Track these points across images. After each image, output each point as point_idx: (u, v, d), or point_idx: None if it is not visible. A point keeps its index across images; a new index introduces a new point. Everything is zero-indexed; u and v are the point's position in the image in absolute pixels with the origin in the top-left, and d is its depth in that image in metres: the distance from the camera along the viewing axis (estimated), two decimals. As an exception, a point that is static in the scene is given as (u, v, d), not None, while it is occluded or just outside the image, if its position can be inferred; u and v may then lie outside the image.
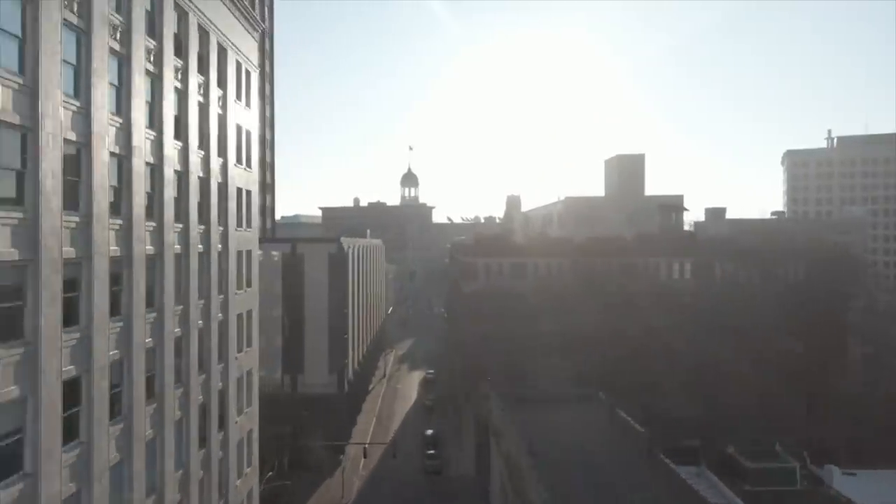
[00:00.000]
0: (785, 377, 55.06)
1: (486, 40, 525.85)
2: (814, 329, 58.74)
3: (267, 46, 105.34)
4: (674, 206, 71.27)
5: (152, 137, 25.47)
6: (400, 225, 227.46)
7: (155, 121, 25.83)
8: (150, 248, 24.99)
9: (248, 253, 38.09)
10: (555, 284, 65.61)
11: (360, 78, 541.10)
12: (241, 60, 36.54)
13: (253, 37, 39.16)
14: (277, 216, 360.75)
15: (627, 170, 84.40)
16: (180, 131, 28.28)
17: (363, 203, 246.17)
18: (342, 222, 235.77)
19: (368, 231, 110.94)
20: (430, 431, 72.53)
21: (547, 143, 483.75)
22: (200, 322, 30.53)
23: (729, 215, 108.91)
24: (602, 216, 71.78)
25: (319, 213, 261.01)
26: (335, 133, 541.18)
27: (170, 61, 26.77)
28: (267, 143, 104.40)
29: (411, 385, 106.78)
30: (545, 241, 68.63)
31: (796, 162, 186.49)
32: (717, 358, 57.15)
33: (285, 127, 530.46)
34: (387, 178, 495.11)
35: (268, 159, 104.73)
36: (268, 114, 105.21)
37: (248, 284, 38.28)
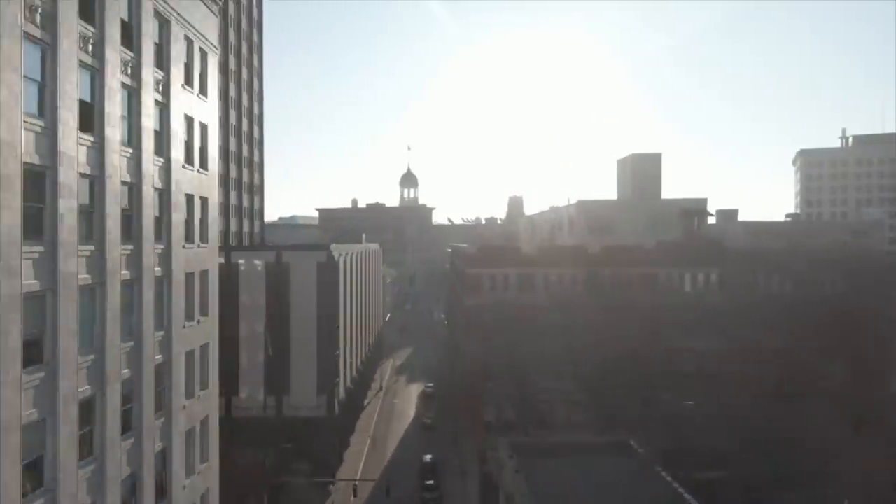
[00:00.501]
0: (833, 408, 48.15)
1: (485, 40, 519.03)
2: (862, 351, 51.91)
3: (255, 38, 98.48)
4: (697, 210, 64.48)
5: (38, 129, 18.46)
6: (399, 227, 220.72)
7: (47, 106, 18.83)
8: (33, 284, 17.99)
9: (204, 274, 31.18)
10: (567, 298, 58.75)
11: (358, 77, 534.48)
12: (191, 37, 29.61)
13: (210, 10, 32.20)
14: (274, 217, 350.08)
15: (643, 171, 77.56)
16: (91, 121, 21.31)
17: (361, 204, 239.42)
18: (339, 224, 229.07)
19: (364, 235, 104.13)
20: (428, 457, 65.67)
21: (547, 143, 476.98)
22: (127, 371, 23.56)
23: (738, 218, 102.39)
24: (617, 222, 65.00)
25: (317, 214, 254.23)
26: (334, 133, 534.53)
27: (72, 27, 19.79)
28: (255, 142, 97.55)
29: (409, 399, 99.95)
30: (556, 249, 61.72)
31: (810, 162, 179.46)
32: (757, 385, 50.28)
33: (284, 127, 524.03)
34: (386, 178, 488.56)
35: (255, 159, 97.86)
36: (256, 111, 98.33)
37: (203, 313, 31.31)
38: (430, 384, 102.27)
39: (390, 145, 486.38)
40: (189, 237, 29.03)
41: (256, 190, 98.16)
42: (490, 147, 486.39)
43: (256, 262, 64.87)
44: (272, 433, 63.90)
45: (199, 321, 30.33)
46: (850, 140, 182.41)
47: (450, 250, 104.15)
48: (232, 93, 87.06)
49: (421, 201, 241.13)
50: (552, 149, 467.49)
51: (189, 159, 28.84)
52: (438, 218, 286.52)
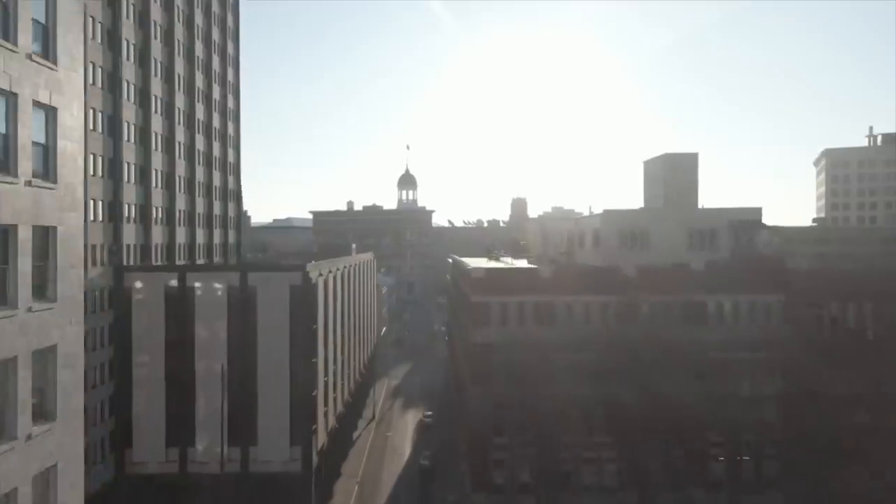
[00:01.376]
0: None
1: (486, 39, 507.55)
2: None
3: (230, 22, 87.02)
4: (750, 222, 53.24)
5: None
6: (397, 230, 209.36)
7: None
8: None
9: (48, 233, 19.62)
10: (595, 333, 47.48)
11: (357, 77, 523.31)
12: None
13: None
14: (269, 219, 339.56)
15: (677, 174, 66.23)
16: None
17: (358, 206, 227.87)
18: (334, 227, 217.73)
19: (354, 246, 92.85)
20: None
21: (550, 143, 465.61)
22: None
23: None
24: (652, 236, 53.69)
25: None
26: (333, 134, 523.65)
27: None
28: (229, 141, 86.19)
29: (405, 431, 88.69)
30: (580, 271, 50.23)
31: (835, 162, 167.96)
32: (824, 435, 39.34)
33: (281, 129, 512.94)
34: (384, 180, 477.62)
35: (231, 160, 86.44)
36: (231, 105, 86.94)
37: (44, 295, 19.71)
38: (429, 413, 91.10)
39: (389, 146, 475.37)
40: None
41: (232, 195, 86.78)
42: (491, 148, 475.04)
43: (216, 285, 53.53)
44: (234, 493, 52.70)
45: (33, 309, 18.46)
46: (879, 139, 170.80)
47: (450, 260, 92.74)
48: (200, 84, 75.69)
49: (420, 203, 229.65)
50: (555, 150, 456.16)
51: (5, 165, 17.35)
52: (439, 221, 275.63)
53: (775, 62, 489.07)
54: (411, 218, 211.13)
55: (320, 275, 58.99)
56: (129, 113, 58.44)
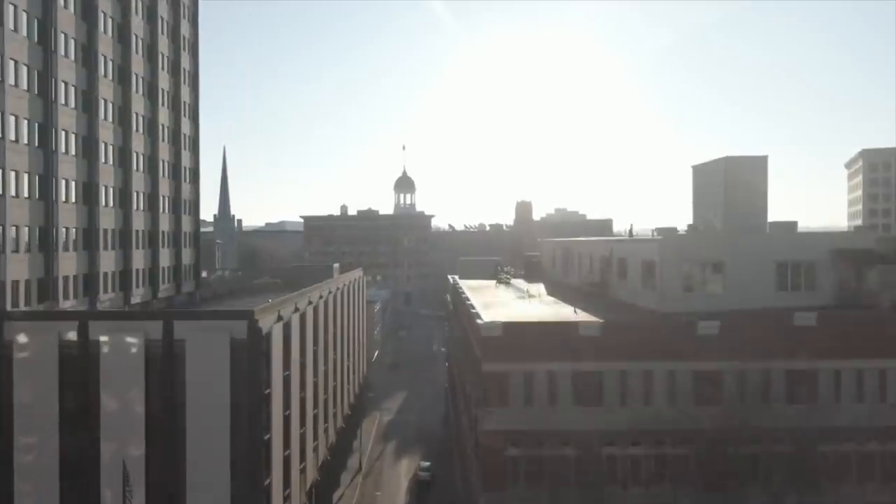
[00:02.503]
0: None
1: (485, 40, 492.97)
2: None
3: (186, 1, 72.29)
4: (861, 253, 38.56)
5: None
6: (394, 237, 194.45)
7: None
8: None
9: None
10: (664, 419, 32.83)
11: (355, 78, 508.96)
12: None
13: None
14: (260, 222, 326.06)
15: (740, 183, 51.63)
16: None
17: (352, 211, 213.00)
18: (326, 234, 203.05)
19: (337, 265, 78.25)
20: None
21: (552, 144, 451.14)
22: None
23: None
24: (730, 270, 38.96)
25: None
26: (329, 136, 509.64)
27: None
28: (185, 142, 71.34)
29: (398, 487, 73.96)
30: (637, 326, 35.13)
31: (873, 164, 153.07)
32: None
33: (277, 129, 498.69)
34: (382, 184, 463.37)
35: (186, 164, 71.57)
36: (187, 98, 72.21)
37: None
38: (426, 464, 76.30)
39: (388, 148, 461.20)
40: None
41: (188, 207, 72.00)
42: (492, 150, 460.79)
43: (131, 339, 38.76)
44: None
45: None
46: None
47: (451, 280, 77.99)
48: (139, 70, 60.92)
49: (419, 208, 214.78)
50: (557, 151, 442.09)
51: None
52: (439, 225, 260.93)
53: (777, 62, 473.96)
54: (409, 223, 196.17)
55: (279, 319, 44.15)
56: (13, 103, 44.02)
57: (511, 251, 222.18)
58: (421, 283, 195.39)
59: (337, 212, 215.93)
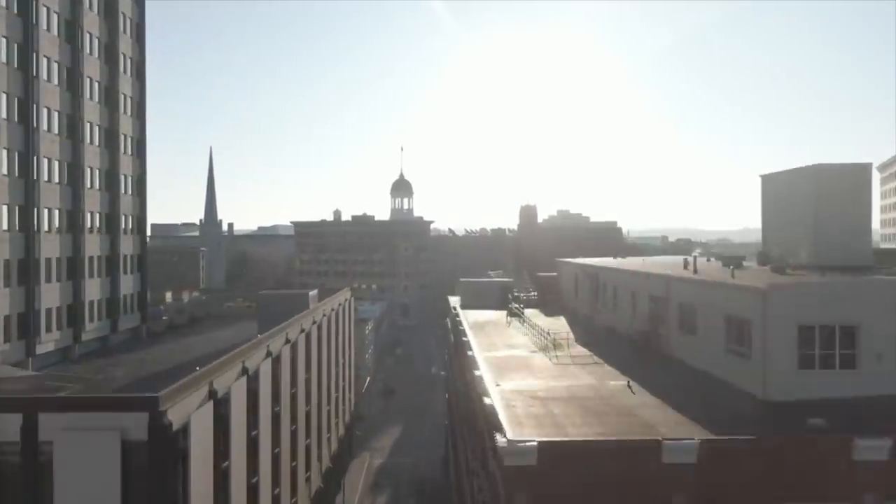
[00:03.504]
0: None
1: (485, 40, 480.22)
2: None
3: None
4: None
5: None
6: (390, 244, 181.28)
7: None
8: None
9: None
10: None
11: (352, 79, 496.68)
12: None
13: None
14: (253, 226, 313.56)
15: (836, 200, 38.79)
16: None
17: (346, 216, 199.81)
18: (318, 241, 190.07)
19: (315, 292, 65.36)
20: None
21: (552, 145, 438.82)
22: None
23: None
24: (862, 331, 25.83)
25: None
26: (326, 137, 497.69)
27: None
28: (126, 144, 58.42)
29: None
30: (768, 458, 21.80)
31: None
32: None
33: (275, 131, 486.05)
34: (378, 187, 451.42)
35: (128, 172, 58.72)
36: (131, 93, 59.32)
37: None
38: (422, 530, 63.55)
39: (386, 150, 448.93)
40: None
41: (131, 224, 59.09)
42: (493, 152, 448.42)
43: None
44: None
45: None
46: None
47: (454, 309, 64.97)
48: (55, 55, 48.04)
49: (417, 213, 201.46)
50: (558, 152, 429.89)
51: None
52: (438, 228, 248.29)
53: (776, 62, 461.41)
54: (406, 230, 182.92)
55: (209, 398, 31.04)
56: None
57: (515, 256, 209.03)
58: (419, 293, 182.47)
59: (330, 216, 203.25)
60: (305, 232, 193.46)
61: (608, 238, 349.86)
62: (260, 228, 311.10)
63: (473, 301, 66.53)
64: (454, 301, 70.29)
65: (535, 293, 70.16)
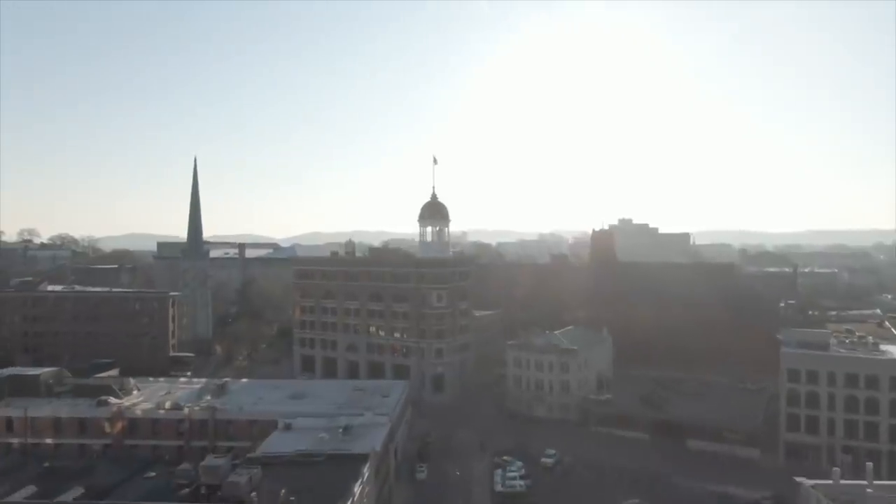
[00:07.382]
0: None
1: (518, 38, 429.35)
2: None
3: None
4: None
5: None
6: (418, 293, 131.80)
7: None
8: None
9: None
10: None
11: (371, 89, 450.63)
12: None
13: None
14: (281, 237, 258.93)
15: None
16: None
17: (360, 238, 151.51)
18: (321, 284, 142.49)
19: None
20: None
21: (607, 153, 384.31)
22: None
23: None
24: None
25: (328, 237, 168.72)
26: (345, 151, 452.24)
27: None
28: None
29: None
30: None
31: None
32: None
33: (292, 144, 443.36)
34: (401, 205, 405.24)
35: None
36: None
37: None
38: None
39: (407, 165, 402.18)
40: None
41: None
42: (531, 165, 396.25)
43: None
44: None
45: None
46: None
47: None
48: None
49: (453, 245, 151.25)
50: (609, 158, 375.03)
51: None
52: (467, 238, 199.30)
53: (815, 63, 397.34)
54: (440, 273, 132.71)
55: None
56: None
57: (587, 294, 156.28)
58: (458, 357, 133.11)
59: (340, 241, 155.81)
60: (305, 271, 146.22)
61: (677, 249, 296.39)
62: (285, 239, 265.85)
63: None
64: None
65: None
